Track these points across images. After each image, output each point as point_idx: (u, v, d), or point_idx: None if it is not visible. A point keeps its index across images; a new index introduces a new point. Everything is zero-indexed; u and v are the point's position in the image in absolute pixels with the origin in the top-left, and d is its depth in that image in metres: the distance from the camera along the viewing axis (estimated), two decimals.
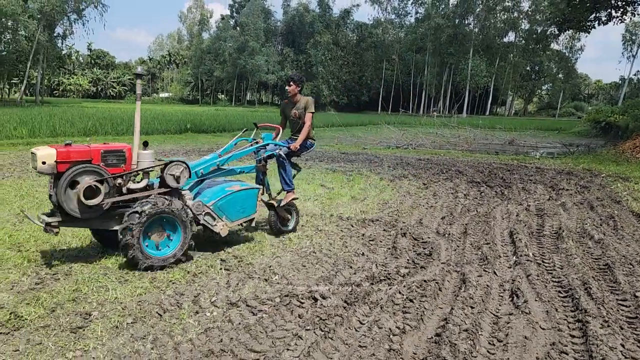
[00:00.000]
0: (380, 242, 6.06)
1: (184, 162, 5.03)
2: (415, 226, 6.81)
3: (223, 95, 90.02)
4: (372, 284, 4.60)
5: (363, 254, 5.54)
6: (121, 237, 4.48)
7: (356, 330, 3.69)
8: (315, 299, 4.16)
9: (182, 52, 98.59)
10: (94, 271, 4.67)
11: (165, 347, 3.33)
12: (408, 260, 5.36)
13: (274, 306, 4.03)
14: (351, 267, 5.07)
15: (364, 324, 3.80)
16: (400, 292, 4.40)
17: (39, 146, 4.63)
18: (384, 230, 6.59)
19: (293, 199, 6.23)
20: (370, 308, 4.08)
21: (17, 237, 5.61)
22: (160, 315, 3.80)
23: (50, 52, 50.89)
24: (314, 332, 3.59)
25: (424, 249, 5.76)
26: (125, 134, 19.98)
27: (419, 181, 10.85)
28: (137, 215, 4.51)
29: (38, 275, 4.53)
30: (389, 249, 5.78)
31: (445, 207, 8.22)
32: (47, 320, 3.63)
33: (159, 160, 5.13)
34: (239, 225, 5.57)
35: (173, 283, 4.46)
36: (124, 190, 4.84)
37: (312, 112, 6.24)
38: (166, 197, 4.79)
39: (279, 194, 6.48)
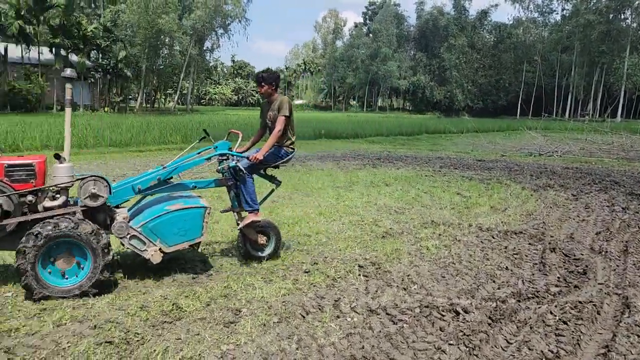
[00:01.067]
0: (526, 256, 5.67)
1: (103, 178, 4.40)
2: (566, 241, 6.27)
3: (355, 102, 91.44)
4: (519, 301, 4.32)
5: (507, 268, 5.23)
6: (16, 260, 3.98)
7: (503, 350, 3.48)
8: (457, 313, 4.01)
9: (316, 60, 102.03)
10: (241, 270, 4.98)
11: (309, 348, 3.42)
12: (559, 278, 4.95)
13: (414, 317, 3.95)
14: (494, 282, 4.81)
15: (511, 343, 3.57)
16: (551, 313, 4.07)
17: None
18: (530, 244, 6.16)
19: (254, 221, 5.06)
20: (517, 327, 3.83)
21: None
22: (304, 317, 3.92)
23: (199, 64, 55.74)
24: (458, 348, 3.46)
25: (577, 266, 5.28)
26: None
27: (567, 192, 10.00)
28: (34, 237, 3.95)
29: (194, 270, 4.94)
30: (536, 264, 5.39)
31: (600, 221, 7.47)
32: (203, 313, 3.93)
33: (78, 175, 4.50)
34: (179, 250, 4.77)
35: (314, 286, 4.58)
36: (40, 208, 4.31)
37: (286, 116, 5.07)
38: (75, 218, 4.17)
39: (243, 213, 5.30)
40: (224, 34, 55.15)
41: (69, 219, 4.11)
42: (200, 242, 4.79)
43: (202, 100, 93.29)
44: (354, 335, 3.62)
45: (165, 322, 3.76)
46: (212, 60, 69.60)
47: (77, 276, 4.18)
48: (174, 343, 3.43)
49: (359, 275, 4.90)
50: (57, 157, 4.50)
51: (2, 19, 39.93)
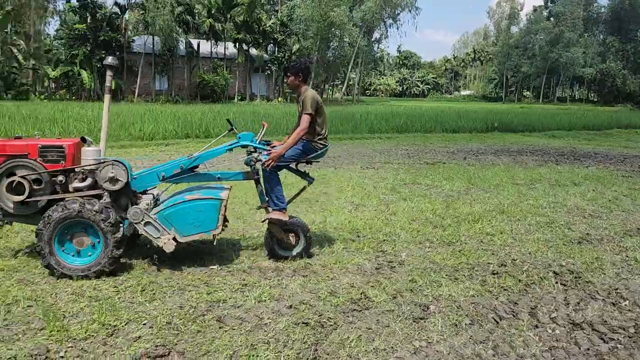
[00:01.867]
0: None
1: (121, 163, 4.42)
2: None
3: (528, 92, 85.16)
4: None
5: None
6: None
7: None
8: None
9: (487, 48, 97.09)
10: (424, 264, 4.86)
11: (507, 357, 3.19)
12: None
13: (629, 337, 3.47)
14: None
15: None
16: None
17: None
18: None
19: (279, 219, 4.76)
20: None
21: (354, 224, 6.27)
22: (497, 322, 3.68)
23: (367, 55, 56.56)
24: None
25: None
26: (433, 132, 20.72)
27: None
28: (46, 219, 4.11)
29: (377, 261, 4.96)
30: None
31: None
32: (391, 305, 3.91)
33: (101, 159, 4.55)
34: (194, 240, 4.67)
35: (505, 290, 4.29)
36: (71, 189, 4.46)
37: (309, 114, 4.71)
38: (92, 201, 4.23)
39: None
40: (392, 24, 55.25)
41: (77, 201, 4.20)
42: (215, 235, 4.60)
43: (367, 91, 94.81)
44: (557, 349, 3.30)
45: (354, 310, 3.82)
46: (379, 51, 70.12)
47: (90, 255, 4.27)
48: (365, 332, 3.46)
49: (556, 283, 4.47)
50: (84, 140, 4.69)
51: (197, 18, 44.87)
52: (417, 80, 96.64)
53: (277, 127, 18.13)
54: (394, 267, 4.81)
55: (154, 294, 3.97)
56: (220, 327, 3.45)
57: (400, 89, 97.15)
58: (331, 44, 52.50)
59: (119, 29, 43.16)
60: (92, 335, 3.26)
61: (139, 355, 3.04)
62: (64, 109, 21.46)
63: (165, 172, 4.70)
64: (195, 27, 45.12)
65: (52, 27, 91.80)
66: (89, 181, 4.49)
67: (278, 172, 4.88)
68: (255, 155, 4.78)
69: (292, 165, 5.03)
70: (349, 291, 4.14)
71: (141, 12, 43.37)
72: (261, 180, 4.85)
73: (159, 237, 4.44)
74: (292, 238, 4.89)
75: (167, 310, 3.66)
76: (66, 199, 4.32)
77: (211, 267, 4.63)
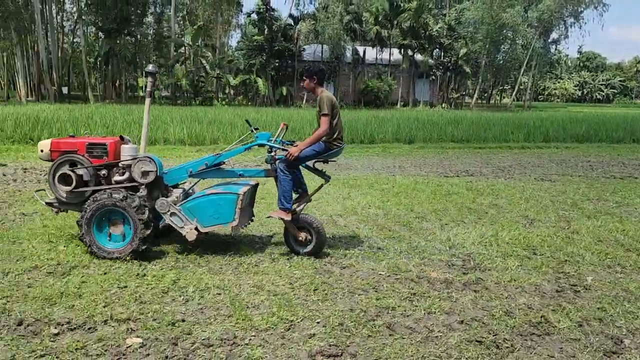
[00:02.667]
0: None
1: (152, 159, 4.89)
2: None
3: None
4: None
5: None
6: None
7: None
8: None
9: None
10: (615, 292, 4.33)
11: None
12: None
13: None
14: None
15: None
16: None
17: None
18: None
19: (281, 217, 4.96)
20: None
21: (529, 240, 5.84)
22: None
23: (542, 58, 52.55)
24: None
25: None
26: (622, 142, 18.48)
27: None
28: (84, 210, 4.65)
29: (558, 283, 4.54)
30: None
31: None
32: (576, 334, 3.54)
33: (140, 156, 5.01)
34: (213, 231, 5.16)
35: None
36: (113, 181, 4.97)
37: (326, 115, 4.86)
38: (119, 190, 4.73)
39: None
40: (574, 23, 50.54)
41: (115, 191, 4.69)
42: (233, 227, 4.87)
43: (540, 96, 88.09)
44: None
45: (533, 333, 3.53)
46: (556, 53, 64.68)
47: (123, 240, 4.76)
48: (545, 359, 3.18)
49: None
50: (122, 138, 5.23)
51: (364, 25, 45.98)
52: (601, 84, 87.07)
53: (442, 134, 17.79)
54: (579, 291, 4.36)
55: (326, 294, 4.12)
56: (390, 334, 3.45)
57: (580, 94, 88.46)
58: (502, 46, 49.84)
59: (292, 38, 46.04)
60: (272, 327, 3.48)
61: (314, 352, 3.17)
62: (242, 113, 23.48)
63: (192, 168, 5.13)
64: (361, 35, 46.29)
65: (234, 39, 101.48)
66: (127, 175, 5.01)
67: (293, 171, 5.07)
68: (272, 154, 5.10)
69: (310, 164, 5.23)
70: (526, 312, 3.86)
71: (312, 22, 45.77)
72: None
73: (182, 227, 4.88)
74: (304, 236, 5.06)
75: (338, 312, 3.77)
76: (102, 190, 4.84)
77: (379, 272, 4.67)
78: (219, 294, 4.06)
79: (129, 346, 3.16)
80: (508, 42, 49.39)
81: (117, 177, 5.03)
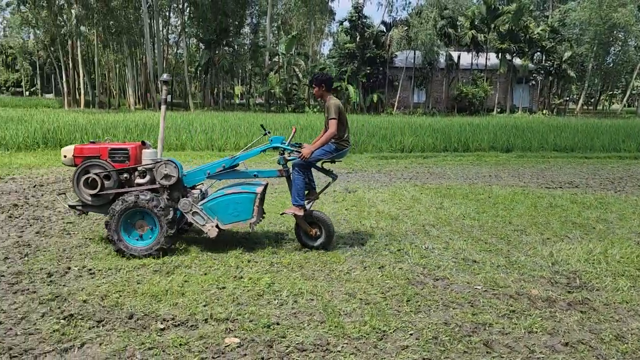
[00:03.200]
0: None
1: (173, 162, 5.13)
2: None
3: None
4: None
5: None
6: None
7: None
8: None
9: None
10: None
11: None
12: None
13: None
14: None
15: None
16: None
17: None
18: None
19: (295, 214, 5.32)
20: None
21: None
22: None
23: None
24: None
25: None
26: None
27: None
28: (111, 212, 4.88)
29: None
30: None
31: None
32: None
33: (161, 159, 5.25)
34: (234, 228, 5.55)
35: None
36: (135, 184, 5.24)
37: (334, 119, 5.27)
38: (145, 193, 4.95)
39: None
40: None
41: (140, 193, 4.95)
42: (252, 224, 5.18)
43: None
44: None
45: None
46: None
47: (150, 238, 5.03)
48: None
49: None
50: (143, 143, 5.45)
51: (459, 30, 44.80)
52: None
53: (543, 142, 16.89)
54: None
55: (419, 305, 4.03)
56: (487, 352, 3.31)
57: None
58: (611, 48, 46.37)
59: (384, 45, 45.92)
60: (365, 336, 3.47)
61: None
62: None
63: (210, 170, 5.41)
64: (456, 39, 45.12)
65: (326, 47, 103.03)
66: (148, 178, 5.27)
67: (305, 171, 5.42)
68: (285, 155, 5.40)
69: (319, 165, 5.57)
70: None
71: (405, 28, 45.38)
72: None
73: (204, 225, 5.14)
74: (314, 231, 5.44)
75: (432, 325, 3.67)
76: (129, 193, 5.06)
77: (475, 286, 4.50)
78: (312, 299, 4.11)
79: (227, 345, 3.28)
80: (619, 44, 45.88)
81: (138, 180, 5.29)
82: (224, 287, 4.28)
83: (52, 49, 49.03)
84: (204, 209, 5.17)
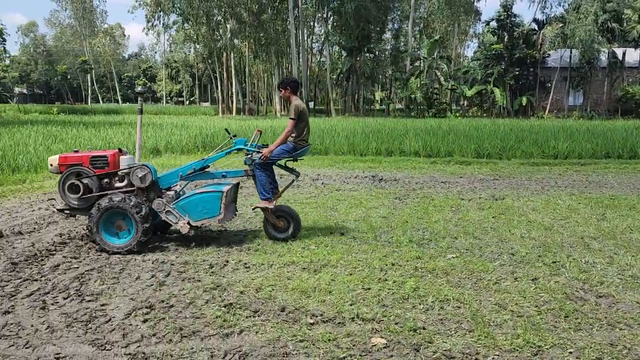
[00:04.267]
0: None
1: (147, 166, 5.57)
2: None
3: None
4: None
5: None
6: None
7: None
8: None
9: None
10: None
11: None
12: None
13: None
14: None
15: None
16: None
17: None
18: None
19: (264, 208, 5.79)
20: None
21: None
22: None
23: None
24: None
25: None
26: None
27: None
28: (90, 215, 5.32)
29: None
30: None
31: None
32: None
33: (132, 164, 5.70)
34: (203, 225, 5.80)
35: None
36: (114, 187, 5.67)
37: (293, 119, 5.77)
38: (126, 194, 5.42)
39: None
40: None
41: (123, 195, 5.38)
42: (219, 220, 5.60)
43: None
44: None
45: None
46: None
47: (125, 238, 5.42)
48: None
49: None
50: (120, 150, 5.84)
51: (625, 24, 40.27)
52: None
53: None
54: None
55: (579, 323, 3.70)
56: None
57: None
58: None
59: (535, 45, 43.04)
60: (517, 350, 3.28)
61: None
62: (477, 125, 22.80)
63: (182, 172, 5.82)
64: (621, 35, 40.60)
65: (470, 49, 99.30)
66: (125, 181, 5.68)
67: (268, 169, 5.85)
68: (249, 156, 5.87)
69: (282, 163, 6.07)
70: None
71: (560, 25, 42.07)
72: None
73: (177, 222, 5.57)
74: (282, 222, 5.89)
75: (595, 344, 3.35)
76: (104, 196, 5.47)
77: None
78: (459, 307, 3.99)
79: (374, 345, 3.32)
80: None
81: (117, 184, 5.72)
82: (369, 288, 4.33)
83: (209, 61, 53.88)
84: (177, 207, 5.59)
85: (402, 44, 50.25)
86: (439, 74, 42.58)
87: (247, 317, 3.76)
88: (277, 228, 5.91)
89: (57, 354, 3.19)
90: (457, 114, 42.50)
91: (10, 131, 17.21)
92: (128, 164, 5.73)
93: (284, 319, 3.73)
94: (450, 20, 48.91)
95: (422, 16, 54.08)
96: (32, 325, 3.60)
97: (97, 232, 5.34)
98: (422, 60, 43.36)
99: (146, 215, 5.37)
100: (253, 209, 6.48)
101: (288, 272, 4.77)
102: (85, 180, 5.52)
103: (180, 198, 5.69)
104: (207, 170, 6.00)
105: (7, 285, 4.38)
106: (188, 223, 5.56)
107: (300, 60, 44.53)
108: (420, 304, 4.02)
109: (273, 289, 4.30)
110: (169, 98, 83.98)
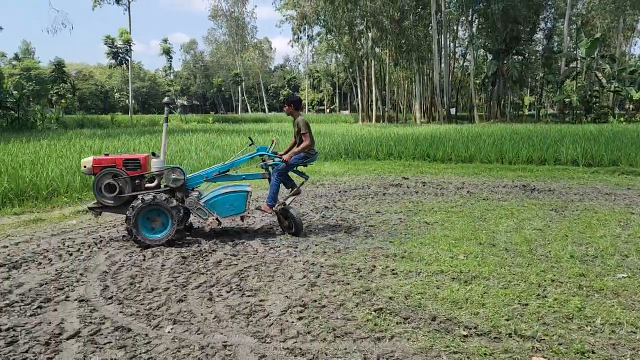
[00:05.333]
0: None
1: (179, 168, 6.20)
2: None
3: None
4: None
5: None
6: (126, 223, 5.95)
7: None
8: None
9: None
10: None
11: None
12: None
13: None
14: None
15: None
16: None
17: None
18: None
19: (265, 211, 6.63)
20: None
21: None
22: None
23: None
24: None
25: None
26: None
27: None
28: (132, 208, 5.83)
29: None
30: None
31: None
32: None
33: (164, 167, 6.25)
34: (231, 219, 6.44)
35: None
36: (144, 188, 6.17)
37: (305, 133, 6.51)
38: (160, 194, 5.96)
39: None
40: None
41: (156, 194, 5.90)
42: (244, 215, 6.46)
43: None
44: None
45: None
46: None
47: (162, 232, 5.96)
48: None
49: None
50: (153, 154, 6.45)
51: None
52: None
53: None
54: None
55: None
56: None
57: None
58: None
59: None
60: None
61: None
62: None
63: (207, 175, 6.50)
64: None
65: (637, 47, 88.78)
66: (155, 182, 6.21)
67: (283, 175, 6.57)
68: (267, 162, 6.64)
69: (295, 168, 6.69)
70: None
71: None
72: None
73: (206, 218, 6.25)
74: (287, 223, 6.65)
75: None
76: (146, 193, 5.96)
77: None
78: (634, 332, 3.56)
79: None
80: None
81: (148, 184, 6.19)
82: (526, 304, 4.06)
83: (350, 70, 55.04)
84: (206, 205, 6.21)
85: (555, 44, 46.72)
86: (599, 75, 38.76)
87: (397, 323, 3.74)
88: (283, 227, 6.75)
89: (225, 342, 3.47)
90: (622, 119, 38.15)
91: (175, 139, 19.27)
92: (158, 166, 6.26)
93: (435, 328, 3.64)
94: (614, 15, 44.30)
95: (580, 13, 49.73)
96: (201, 314, 3.96)
97: (135, 225, 5.84)
98: (579, 61, 39.84)
99: (182, 215, 5.99)
100: (256, 209, 7.13)
101: (437, 280, 4.65)
102: (120, 181, 6.04)
103: (208, 197, 6.30)
104: (227, 173, 6.65)
105: (179, 276, 4.88)
106: (216, 219, 6.28)
107: (442, 65, 43.54)
108: (586, 325, 3.67)
109: (422, 297, 4.23)
110: (310, 107, 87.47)
